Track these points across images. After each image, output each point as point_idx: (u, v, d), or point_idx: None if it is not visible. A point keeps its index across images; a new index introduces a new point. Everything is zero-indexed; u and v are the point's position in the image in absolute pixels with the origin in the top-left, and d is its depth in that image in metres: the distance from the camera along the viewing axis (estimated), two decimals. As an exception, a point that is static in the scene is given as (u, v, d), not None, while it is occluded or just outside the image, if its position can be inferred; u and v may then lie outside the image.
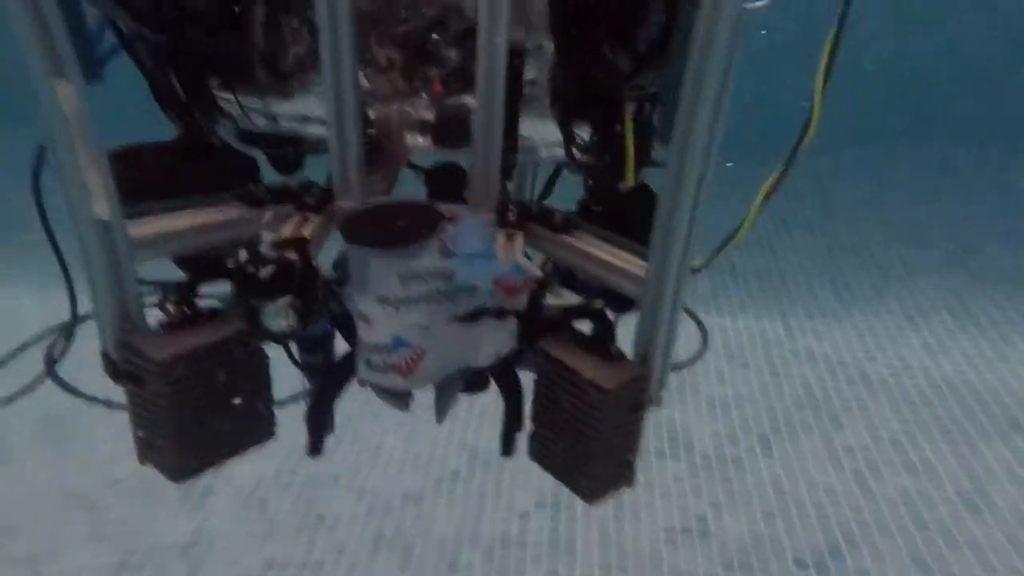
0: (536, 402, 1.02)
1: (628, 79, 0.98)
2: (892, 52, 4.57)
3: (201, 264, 1.00)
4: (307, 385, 1.17)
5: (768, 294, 3.72)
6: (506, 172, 0.99)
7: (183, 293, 0.94)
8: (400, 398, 0.91)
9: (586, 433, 0.96)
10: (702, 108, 0.75)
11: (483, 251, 0.82)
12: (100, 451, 2.43)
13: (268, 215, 0.93)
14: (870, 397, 3.03)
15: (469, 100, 0.99)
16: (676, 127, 0.78)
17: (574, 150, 1.06)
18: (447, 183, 1.05)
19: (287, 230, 0.93)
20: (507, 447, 1.02)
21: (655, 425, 2.72)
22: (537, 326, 1.02)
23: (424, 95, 1.02)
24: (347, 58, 0.86)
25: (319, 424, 0.99)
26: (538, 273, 0.86)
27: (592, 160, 1.11)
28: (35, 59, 0.71)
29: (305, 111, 1.06)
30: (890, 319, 3.56)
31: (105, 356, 0.92)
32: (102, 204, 0.81)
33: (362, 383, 0.91)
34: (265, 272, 0.85)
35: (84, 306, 1.09)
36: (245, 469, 2.31)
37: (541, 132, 1.06)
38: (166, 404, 0.89)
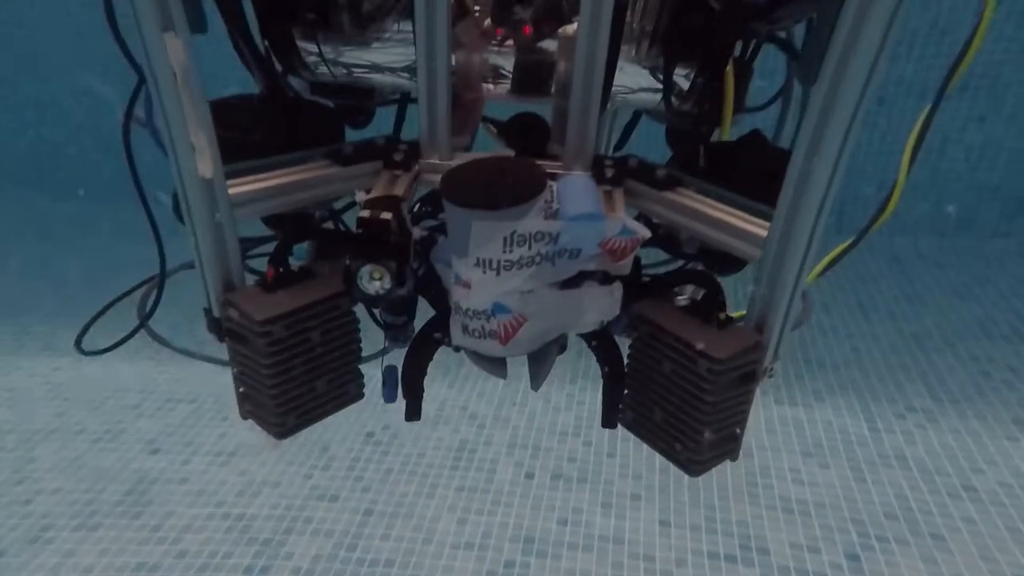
0: (632, 369, 0.98)
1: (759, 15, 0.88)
2: (982, 139, 3.99)
3: (291, 223, 0.99)
4: (387, 344, 1.15)
5: (848, 386, 3.21)
6: None
7: (278, 253, 0.94)
8: (497, 364, 0.88)
9: (692, 405, 0.90)
10: (865, 39, 0.65)
11: (591, 212, 0.76)
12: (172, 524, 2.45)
13: (359, 192, 0.91)
14: (981, 516, 2.53)
15: (552, 47, 0.93)
16: (827, 63, 0.68)
17: (672, 97, 0.99)
18: (529, 136, 0.99)
19: (378, 188, 0.90)
20: (609, 418, 0.98)
21: (723, 525, 2.45)
22: (637, 289, 0.96)
23: (511, 40, 0.96)
24: (441, 41, 0.82)
25: (415, 390, 0.98)
26: (647, 234, 0.80)
27: (690, 107, 1.03)
28: (144, 11, 0.69)
29: (384, 60, 1.02)
30: (997, 426, 2.94)
31: (209, 314, 0.93)
32: (207, 163, 0.80)
33: (457, 348, 0.88)
34: (360, 233, 0.82)
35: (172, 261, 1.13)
36: (302, 544, 2.31)
37: (631, 76, 0.98)
38: (267, 363, 0.89)
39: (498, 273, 0.77)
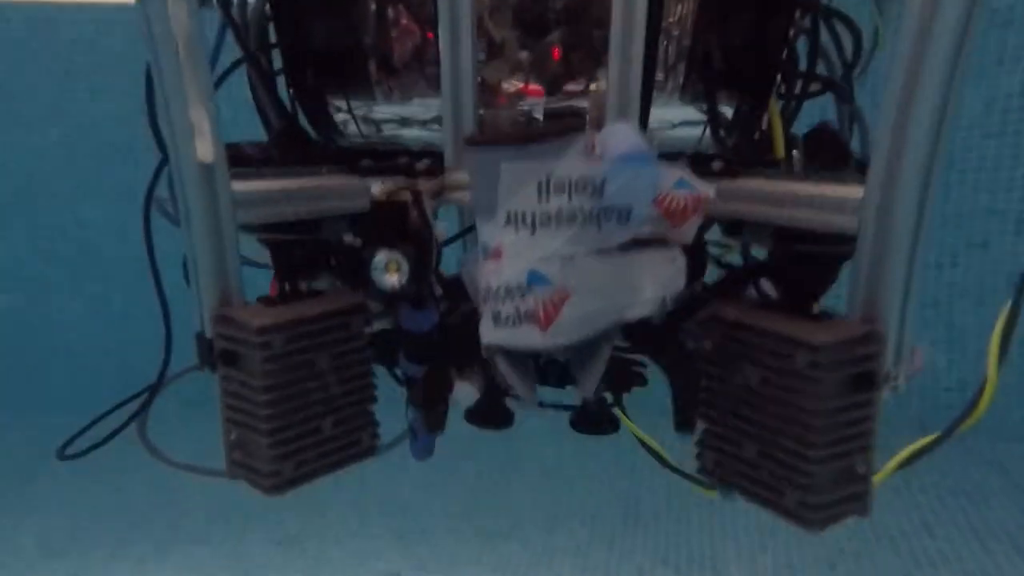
0: (709, 393, 0.78)
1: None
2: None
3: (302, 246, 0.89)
4: (409, 413, 0.99)
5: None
6: None
7: (284, 272, 0.83)
8: (528, 381, 0.71)
9: (794, 421, 0.69)
10: None
11: (640, 154, 0.64)
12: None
13: (374, 184, 0.82)
14: None
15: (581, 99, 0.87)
16: None
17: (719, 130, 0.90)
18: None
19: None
20: (684, 423, 0.77)
21: None
22: (703, 291, 0.80)
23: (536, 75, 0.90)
24: (465, 36, 0.78)
25: (437, 407, 0.80)
26: (709, 192, 0.66)
27: (734, 140, 0.94)
28: None
29: (409, 113, 0.98)
30: None
31: (200, 338, 0.80)
32: (207, 146, 0.72)
33: (488, 352, 0.71)
34: (373, 218, 0.71)
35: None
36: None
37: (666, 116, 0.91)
38: (263, 384, 0.74)
39: (533, 231, 0.63)
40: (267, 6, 1.00)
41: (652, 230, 0.67)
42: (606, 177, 0.63)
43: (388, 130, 1.01)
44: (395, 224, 0.72)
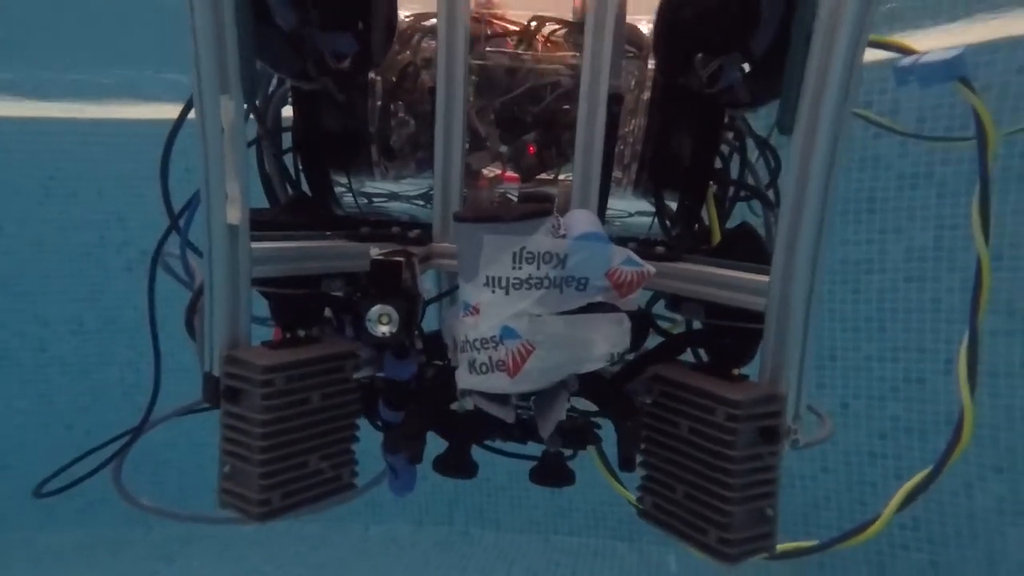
0: (649, 442, 0.91)
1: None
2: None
3: (300, 298, 1.01)
4: (385, 457, 1.08)
5: None
6: None
7: (286, 320, 0.95)
8: (505, 404, 0.83)
9: (715, 467, 0.83)
10: (828, 95, 0.77)
11: (597, 235, 0.80)
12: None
13: (373, 248, 0.96)
14: None
15: (550, 187, 1.04)
16: (799, 114, 0.79)
17: (665, 220, 1.08)
18: None
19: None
20: (625, 463, 0.89)
21: None
22: (645, 354, 0.95)
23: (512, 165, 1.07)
24: (456, 132, 0.96)
25: (415, 442, 0.91)
26: (652, 270, 0.82)
27: (678, 228, 1.11)
28: (206, 73, 0.82)
29: (401, 189, 1.13)
30: None
31: (208, 377, 0.90)
32: (236, 211, 0.86)
33: (463, 395, 0.84)
34: (372, 275, 0.85)
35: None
36: None
37: (621, 207, 1.09)
38: (262, 419, 0.84)
39: (507, 292, 0.78)
40: (288, 96, 1.15)
41: (604, 298, 0.82)
42: (568, 252, 0.79)
43: (379, 203, 1.16)
44: (389, 281, 0.85)
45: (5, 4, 3.60)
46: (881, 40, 1.04)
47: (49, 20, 3.75)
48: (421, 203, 1.14)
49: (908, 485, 0.91)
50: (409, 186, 1.11)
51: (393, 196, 1.14)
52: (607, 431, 1.04)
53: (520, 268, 0.78)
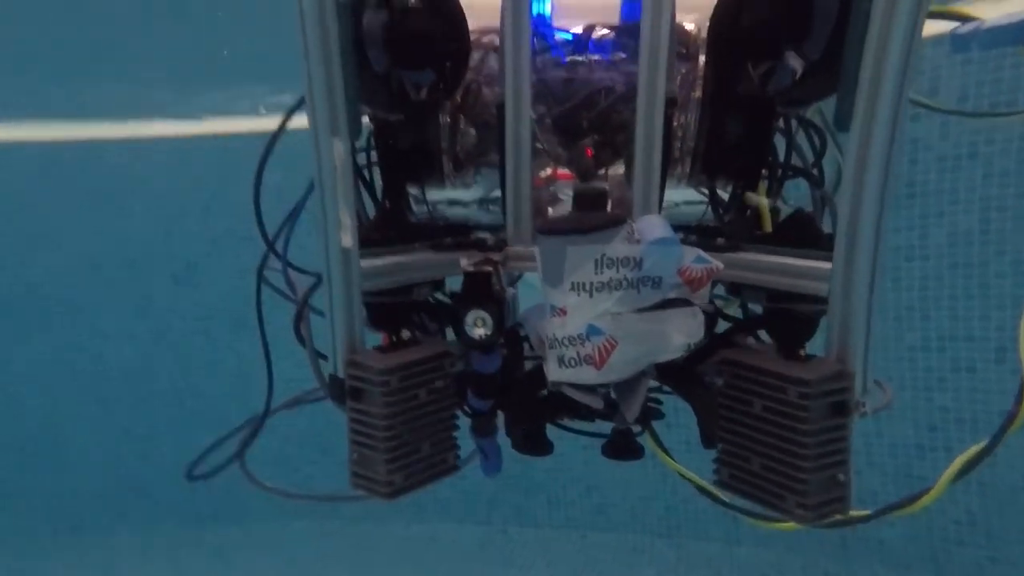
0: (724, 420, 1.00)
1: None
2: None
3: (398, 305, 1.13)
4: (475, 441, 1.21)
5: None
6: None
7: (392, 325, 1.08)
8: (594, 393, 0.94)
9: (789, 440, 0.92)
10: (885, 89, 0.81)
11: (669, 237, 0.89)
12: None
13: (463, 259, 1.07)
14: None
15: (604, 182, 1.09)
16: (856, 110, 0.84)
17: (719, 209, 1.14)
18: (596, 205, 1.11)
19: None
20: (708, 441, 0.98)
21: None
22: (713, 339, 1.03)
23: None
24: (524, 145, 1.03)
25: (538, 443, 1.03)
26: (720, 265, 0.90)
27: (731, 216, 1.16)
28: (320, 118, 0.94)
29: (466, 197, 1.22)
30: None
31: (332, 378, 1.04)
32: (348, 236, 0.98)
33: (554, 386, 0.95)
34: (466, 285, 0.96)
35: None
36: None
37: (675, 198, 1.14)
38: (382, 412, 0.98)
39: (591, 295, 0.88)
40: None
41: (676, 294, 0.91)
42: (643, 256, 0.88)
43: (448, 211, 1.25)
44: (482, 289, 0.96)
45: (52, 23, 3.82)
46: (940, 9, 1.05)
47: (97, 40, 3.96)
48: (489, 207, 1.24)
49: (964, 456, 0.92)
50: (474, 192, 1.20)
51: (459, 203, 1.23)
52: (674, 414, 1.14)
53: (602, 273, 0.87)
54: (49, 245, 4.73)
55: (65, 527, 4.83)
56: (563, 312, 0.90)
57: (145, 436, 4.80)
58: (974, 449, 0.93)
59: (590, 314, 0.88)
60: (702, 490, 1.18)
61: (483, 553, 4.26)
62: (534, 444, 1.18)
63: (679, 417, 1.16)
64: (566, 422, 1.19)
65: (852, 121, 0.87)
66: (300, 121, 1.04)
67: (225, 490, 1.39)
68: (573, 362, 0.91)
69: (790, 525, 0.98)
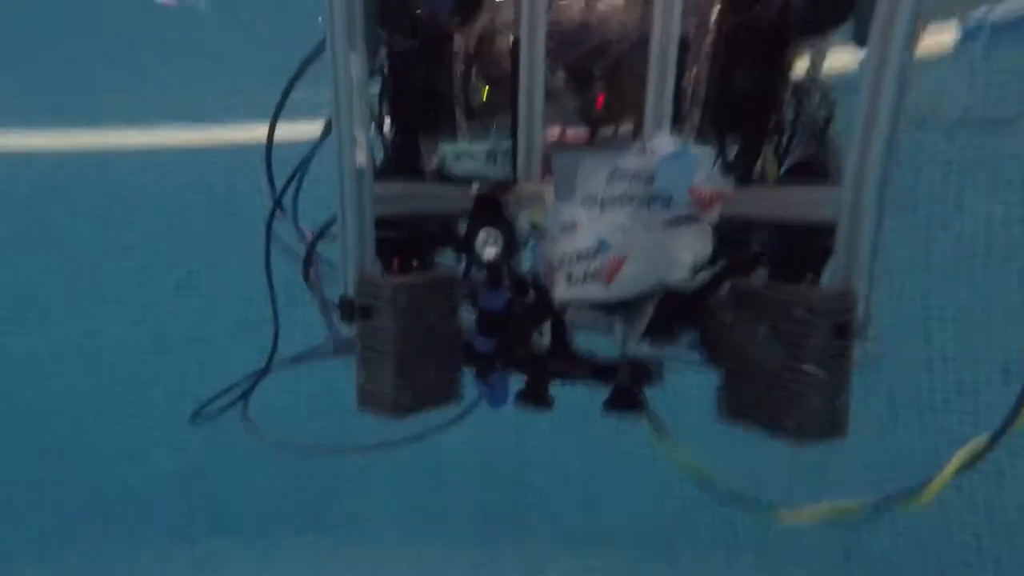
0: (730, 349, 1.01)
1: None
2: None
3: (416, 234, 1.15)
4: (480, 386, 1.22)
5: None
6: None
7: (406, 251, 1.09)
8: (599, 316, 0.95)
9: (794, 357, 0.93)
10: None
11: (680, 155, 0.91)
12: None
13: (474, 185, 1.09)
14: None
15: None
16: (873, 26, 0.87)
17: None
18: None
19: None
20: (712, 361, 1.00)
21: None
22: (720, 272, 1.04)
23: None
24: (538, 72, 1.05)
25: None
26: (730, 188, 0.92)
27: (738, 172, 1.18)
28: (337, 32, 0.96)
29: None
30: None
31: (343, 300, 1.06)
32: (362, 155, 1.01)
33: (562, 305, 0.97)
34: (477, 205, 0.98)
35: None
36: None
37: None
38: (391, 327, 0.99)
39: (602, 209, 0.90)
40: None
41: (687, 212, 0.92)
42: (656, 169, 0.90)
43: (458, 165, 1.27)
44: (493, 209, 0.98)
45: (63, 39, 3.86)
46: None
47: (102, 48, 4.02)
48: (494, 161, 1.26)
49: (967, 448, 0.90)
50: (487, 144, 1.23)
51: (468, 155, 1.25)
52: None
53: (614, 185, 0.89)
54: (49, 252, 4.75)
55: (55, 537, 4.81)
56: (574, 227, 0.92)
57: (141, 444, 4.78)
58: (976, 441, 0.91)
59: (601, 227, 0.90)
60: (698, 477, 1.17)
61: (476, 573, 4.18)
62: (536, 397, 1.20)
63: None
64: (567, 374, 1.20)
65: (869, 36, 0.89)
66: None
67: (217, 501, 1.40)
68: (582, 278, 0.92)
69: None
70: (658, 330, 1.04)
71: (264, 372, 1.40)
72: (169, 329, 4.80)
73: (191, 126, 4.60)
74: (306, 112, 1.23)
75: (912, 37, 0.86)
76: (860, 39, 0.90)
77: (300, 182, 1.29)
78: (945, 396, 3.29)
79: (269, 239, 1.34)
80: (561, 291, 0.95)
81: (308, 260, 1.16)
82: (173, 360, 4.75)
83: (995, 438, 0.91)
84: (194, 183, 4.59)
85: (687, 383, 1.09)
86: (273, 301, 1.42)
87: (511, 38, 1.08)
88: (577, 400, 1.16)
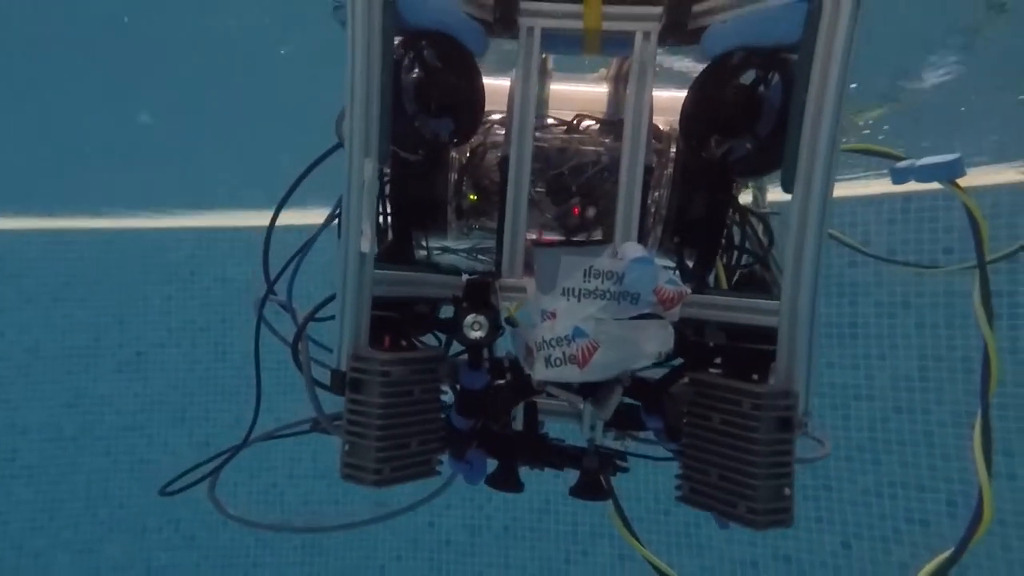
0: (688, 436, 1.12)
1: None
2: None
3: (407, 315, 1.25)
4: (455, 464, 1.29)
5: None
6: None
7: (396, 330, 1.19)
8: (574, 393, 1.05)
9: (743, 448, 1.04)
10: (819, 159, 1.04)
11: (647, 257, 1.05)
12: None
13: (464, 275, 1.22)
14: None
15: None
16: (798, 173, 1.05)
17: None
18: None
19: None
20: (673, 431, 1.09)
21: None
22: (680, 366, 1.17)
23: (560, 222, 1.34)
24: (524, 183, 1.22)
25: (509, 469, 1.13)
26: (688, 290, 1.06)
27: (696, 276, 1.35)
28: (356, 144, 1.10)
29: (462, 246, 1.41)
30: None
31: (334, 372, 1.14)
32: (367, 242, 1.13)
33: (540, 386, 1.07)
34: (467, 292, 1.11)
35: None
36: None
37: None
38: (380, 402, 1.07)
39: (579, 300, 1.02)
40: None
41: (652, 309, 1.06)
42: (624, 271, 1.04)
43: (443, 258, 1.42)
44: (481, 296, 1.10)
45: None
46: (873, 148, 1.30)
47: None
48: (476, 257, 1.41)
49: (929, 566, 0.95)
50: (469, 242, 1.39)
51: (452, 251, 1.41)
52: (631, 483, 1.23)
53: (589, 281, 1.02)
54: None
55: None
56: (553, 316, 1.04)
57: (38, 551, 4.49)
58: (939, 558, 0.96)
59: (577, 317, 1.02)
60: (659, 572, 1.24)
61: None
62: (506, 480, 1.27)
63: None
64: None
65: (795, 184, 1.08)
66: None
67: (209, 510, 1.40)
68: (559, 361, 1.03)
69: None
70: (624, 419, 1.15)
71: (240, 447, 1.42)
72: (100, 416, 4.62)
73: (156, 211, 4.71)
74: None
75: (829, 187, 1.04)
76: (786, 187, 1.08)
77: (298, 265, 1.39)
78: (896, 525, 3.43)
79: (260, 318, 1.42)
80: (540, 371, 1.06)
81: (298, 337, 1.25)
82: (99, 450, 4.54)
83: (956, 556, 0.94)
84: (151, 265, 4.63)
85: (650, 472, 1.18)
86: (258, 373, 1.46)
87: (500, 155, 1.25)
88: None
